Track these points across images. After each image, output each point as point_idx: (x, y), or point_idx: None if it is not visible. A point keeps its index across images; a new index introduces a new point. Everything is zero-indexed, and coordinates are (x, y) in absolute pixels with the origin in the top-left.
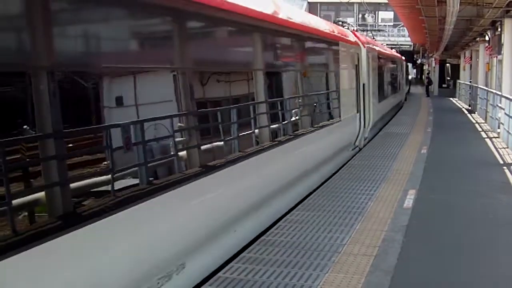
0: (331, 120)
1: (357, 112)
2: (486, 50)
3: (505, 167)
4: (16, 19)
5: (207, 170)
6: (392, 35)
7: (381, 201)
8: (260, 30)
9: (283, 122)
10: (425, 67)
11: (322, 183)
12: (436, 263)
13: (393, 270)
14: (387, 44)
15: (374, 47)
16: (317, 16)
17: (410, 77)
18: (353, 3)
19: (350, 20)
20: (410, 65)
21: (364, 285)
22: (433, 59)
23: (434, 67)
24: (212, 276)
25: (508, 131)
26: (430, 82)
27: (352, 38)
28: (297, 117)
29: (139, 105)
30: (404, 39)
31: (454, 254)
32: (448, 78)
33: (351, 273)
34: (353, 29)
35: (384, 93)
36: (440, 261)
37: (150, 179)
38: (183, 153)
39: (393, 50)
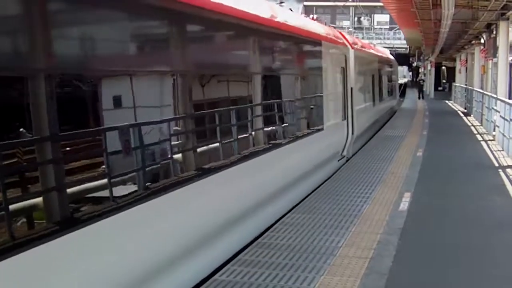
0: None
1: None
2: (481, 52)
3: (500, 170)
4: None
5: None
6: (388, 38)
7: (377, 203)
8: None
9: None
10: (421, 70)
11: None
12: (431, 265)
13: (388, 272)
14: (383, 47)
15: None
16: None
17: (406, 80)
18: (348, 6)
19: (346, 23)
20: (405, 68)
21: (359, 287)
22: (429, 62)
23: (430, 70)
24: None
25: (503, 134)
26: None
27: None
28: None
29: None
30: (400, 42)
31: (449, 256)
32: (444, 81)
33: (346, 276)
34: None
35: None
36: (435, 263)
37: None
38: None
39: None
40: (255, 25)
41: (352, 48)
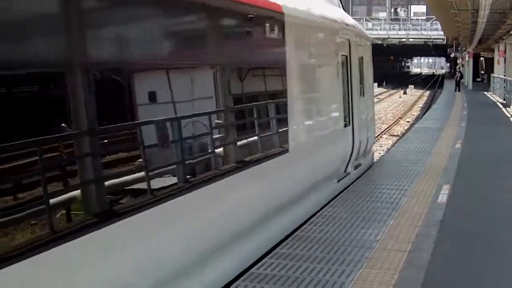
0: None
1: None
2: None
3: None
4: None
5: None
6: (424, 28)
7: (415, 196)
8: None
9: None
10: (459, 61)
11: None
12: (471, 259)
13: (427, 265)
14: (419, 38)
15: None
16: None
17: (443, 71)
18: None
19: (382, 14)
20: (443, 59)
21: (398, 281)
22: (467, 52)
23: (468, 61)
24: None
25: None
26: (461, 77)
27: None
28: None
29: None
30: (437, 32)
31: (488, 250)
32: (482, 72)
33: (384, 269)
34: None
35: None
36: (474, 256)
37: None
38: None
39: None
40: None
41: None
